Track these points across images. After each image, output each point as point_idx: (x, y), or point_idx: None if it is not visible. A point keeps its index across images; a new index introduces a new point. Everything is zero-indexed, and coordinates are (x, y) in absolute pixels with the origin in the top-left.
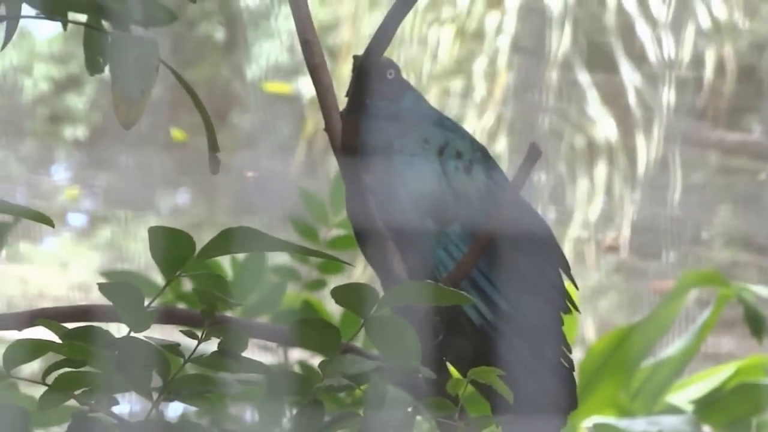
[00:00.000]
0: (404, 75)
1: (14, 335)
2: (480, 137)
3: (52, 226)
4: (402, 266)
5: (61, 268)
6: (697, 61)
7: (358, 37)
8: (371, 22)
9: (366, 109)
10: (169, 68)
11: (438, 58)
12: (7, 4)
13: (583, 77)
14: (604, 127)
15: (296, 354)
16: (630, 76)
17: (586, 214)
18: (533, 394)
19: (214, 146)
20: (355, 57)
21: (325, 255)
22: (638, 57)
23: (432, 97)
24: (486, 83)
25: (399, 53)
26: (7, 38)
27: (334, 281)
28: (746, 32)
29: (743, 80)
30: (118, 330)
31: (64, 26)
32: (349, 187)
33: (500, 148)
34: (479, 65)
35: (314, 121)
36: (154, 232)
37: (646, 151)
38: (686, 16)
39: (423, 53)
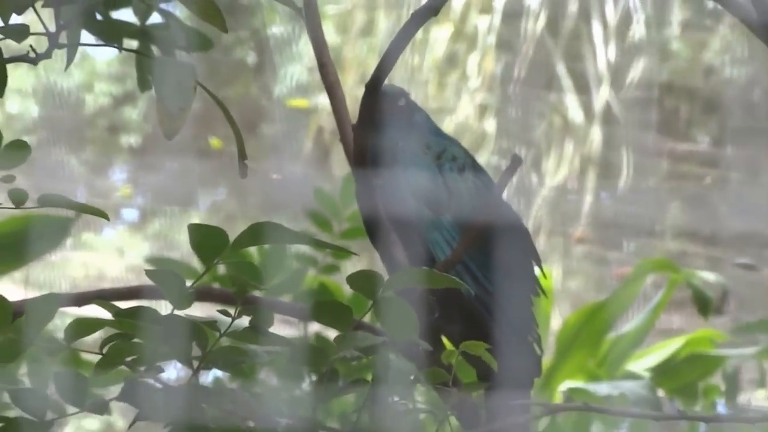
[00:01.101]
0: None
1: (77, 311)
2: (473, 120)
3: (108, 219)
4: (404, 254)
5: (117, 255)
6: (653, 83)
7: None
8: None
9: (375, 125)
10: (204, 89)
11: (435, 53)
12: (68, 33)
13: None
14: (576, 113)
15: (314, 327)
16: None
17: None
18: (510, 363)
19: (242, 155)
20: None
21: (335, 246)
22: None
23: (432, 87)
24: (477, 75)
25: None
26: (68, 62)
27: (346, 265)
28: (694, 60)
29: (692, 99)
30: (164, 307)
31: (120, 50)
32: (360, 187)
33: (489, 128)
34: (472, 60)
35: (329, 131)
36: (192, 228)
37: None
38: (644, 44)
39: (423, 49)
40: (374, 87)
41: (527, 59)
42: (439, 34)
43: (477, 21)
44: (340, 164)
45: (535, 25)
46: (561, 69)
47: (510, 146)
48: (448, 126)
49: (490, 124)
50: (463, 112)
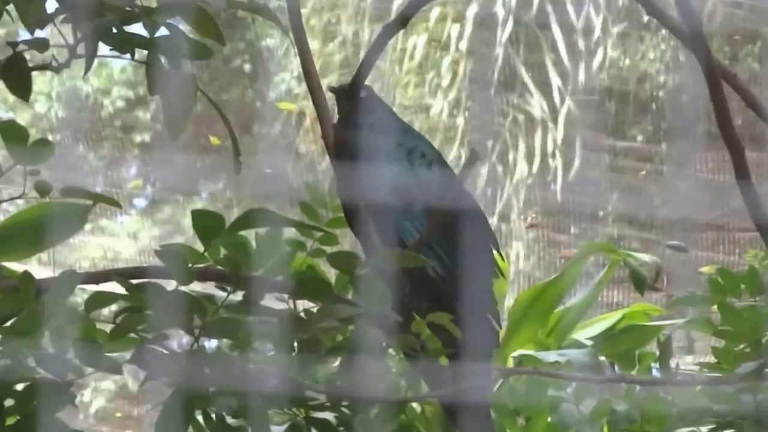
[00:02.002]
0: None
1: (94, 288)
2: (445, 115)
3: (120, 208)
4: (379, 239)
5: (131, 239)
6: (595, 88)
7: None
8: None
9: (352, 123)
10: (204, 94)
11: (414, 58)
12: (85, 44)
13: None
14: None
15: (302, 305)
16: (539, 102)
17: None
18: (472, 335)
19: (237, 152)
20: (331, 88)
21: (320, 229)
22: (545, 85)
23: (410, 87)
24: (450, 75)
25: (386, 55)
26: (86, 70)
27: (332, 250)
28: (632, 67)
29: (629, 102)
30: (169, 285)
31: (132, 57)
32: (339, 180)
33: (459, 121)
34: (445, 62)
35: (313, 130)
36: (195, 213)
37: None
38: (587, 52)
39: (403, 54)
40: (352, 92)
41: (495, 63)
42: (416, 41)
43: (450, 29)
44: (324, 160)
45: (502, 32)
46: (523, 73)
47: (477, 140)
48: (423, 122)
49: (460, 120)
50: (437, 109)
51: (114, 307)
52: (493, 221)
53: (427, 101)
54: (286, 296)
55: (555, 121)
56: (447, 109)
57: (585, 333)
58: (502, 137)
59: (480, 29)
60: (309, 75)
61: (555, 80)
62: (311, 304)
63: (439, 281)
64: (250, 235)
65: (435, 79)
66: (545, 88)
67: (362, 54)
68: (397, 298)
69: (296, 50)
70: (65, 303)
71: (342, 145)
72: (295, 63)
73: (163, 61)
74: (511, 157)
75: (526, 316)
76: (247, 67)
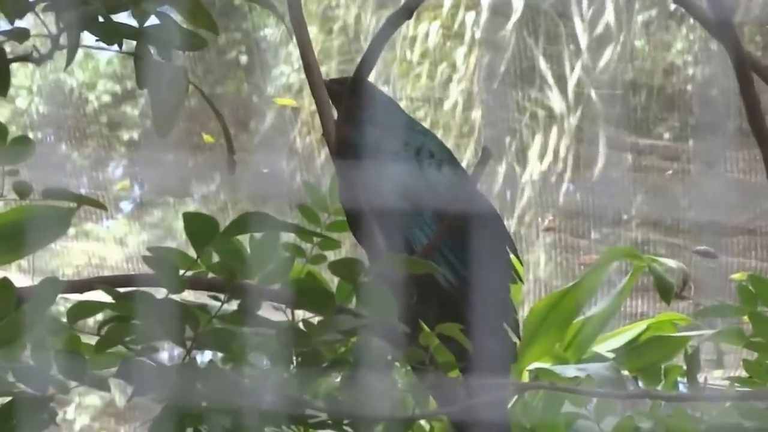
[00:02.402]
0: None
1: (78, 297)
2: (459, 109)
3: (106, 210)
4: (384, 243)
5: (118, 244)
6: (618, 81)
7: None
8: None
9: (355, 119)
10: (196, 87)
11: (425, 46)
12: (67, 34)
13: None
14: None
15: (301, 315)
16: (558, 96)
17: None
18: (485, 348)
19: (231, 150)
20: (327, 80)
21: (319, 235)
22: (565, 78)
23: (421, 78)
24: (464, 66)
25: (395, 43)
26: (68, 62)
27: (332, 256)
28: (658, 59)
29: (654, 97)
30: (159, 294)
31: (120, 48)
32: (342, 181)
33: (475, 116)
34: (459, 52)
35: (310, 125)
36: (187, 216)
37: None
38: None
39: (413, 43)
40: (355, 86)
41: (511, 54)
42: (427, 28)
43: (464, 16)
44: (325, 159)
45: (519, 22)
46: (542, 64)
47: (493, 136)
48: (435, 117)
49: (476, 115)
50: (450, 103)
51: (99, 318)
52: (509, 225)
53: (440, 94)
54: (284, 306)
55: (575, 116)
56: (461, 103)
57: (606, 345)
58: (520, 134)
59: (496, 17)
60: (309, 68)
61: (575, 73)
62: (311, 315)
63: (449, 288)
64: (245, 240)
65: (448, 70)
66: (565, 81)
67: (363, 41)
68: (404, 308)
69: (296, 41)
70: (47, 312)
71: (344, 144)
72: (296, 55)
73: (152, 52)
74: (528, 155)
75: (542, 327)
76: (243, 59)
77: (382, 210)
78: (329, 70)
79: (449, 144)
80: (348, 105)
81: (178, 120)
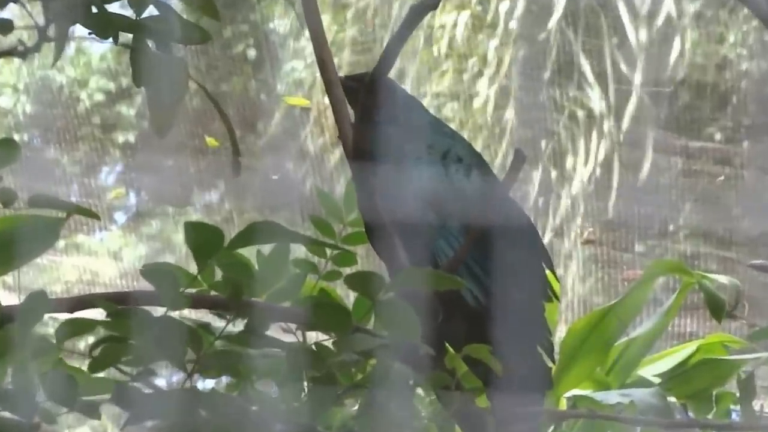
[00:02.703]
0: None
1: (68, 316)
2: (491, 108)
3: (99, 220)
4: (406, 256)
5: (112, 258)
6: (665, 79)
7: None
8: None
9: (374, 120)
10: (198, 83)
11: (456, 39)
12: (56, 26)
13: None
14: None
15: (313, 337)
16: (599, 94)
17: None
18: (517, 371)
19: (236, 150)
20: (343, 77)
21: (335, 247)
22: (607, 75)
23: (449, 74)
24: (496, 61)
25: (419, 34)
26: (56, 56)
27: (348, 272)
28: (710, 54)
29: (706, 95)
30: (157, 312)
31: (115, 42)
32: (360, 188)
33: (507, 116)
34: (491, 45)
35: (321, 124)
36: (188, 226)
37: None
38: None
39: (441, 34)
40: (374, 84)
41: (549, 48)
42: (456, 18)
43: (498, 5)
44: (338, 163)
45: (558, 12)
46: (582, 60)
47: (527, 139)
48: (463, 117)
49: (509, 114)
50: (480, 102)
51: (91, 339)
52: (544, 236)
53: (468, 91)
54: (294, 326)
55: (618, 117)
56: (492, 101)
57: (652, 369)
58: (557, 136)
59: (533, 7)
60: (323, 64)
61: (618, 69)
62: (324, 336)
63: (477, 306)
64: (251, 255)
65: (479, 65)
66: (606, 77)
67: (379, 30)
68: (428, 328)
69: (309, 35)
70: (33, 332)
71: (362, 147)
72: (308, 49)
73: (151, 46)
74: (566, 160)
75: (581, 349)
76: (251, 53)
77: (404, 220)
78: (341, 62)
79: (478, 146)
80: (366, 104)
81: (176, 117)
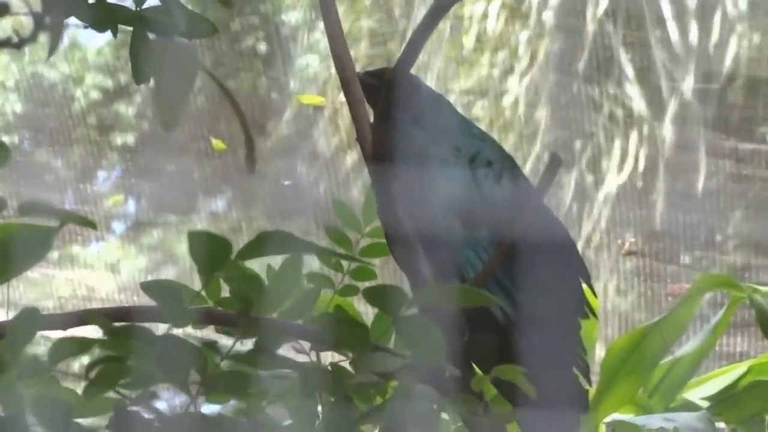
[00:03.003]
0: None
1: (61, 335)
2: (522, 106)
3: (95, 228)
4: (429, 268)
5: (109, 271)
6: (713, 74)
7: None
8: None
9: (395, 120)
10: (209, 73)
11: (485, 31)
12: (50, 18)
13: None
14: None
15: (329, 357)
16: (640, 92)
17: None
18: (550, 393)
19: (250, 146)
20: (362, 74)
21: (353, 258)
22: (650, 71)
23: (476, 68)
24: (529, 55)
25: (446, 27)
26: (52, 49)
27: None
28: (762, 47)
29: (758, 92)
30: (158, 330)
31: (114, 35)
32: (380, 194)
33: (539, 115)
34: (523, 37)
35: (347, 131)
36: (193, 235)
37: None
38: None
39: (469, 25)
40: (395, 80)
41: (586, 41)
42: (485, 8)
43: None
44: (357, 167)
45: (599, 4)
46: (622, 54)
47: (562, 140)
48: (493, 115)
49: (542, 114)
50: (511, 99)
51: (86, 360)
52: (580, 247)
53: (498, 87)
54: (308, 345)
55: (661, 117)
56: (524, 99)
57: (699, 391)
58: (595, 137)
59: None
60: (340, 61)
61: (662, 64)
62: (341, 356)
63: (507, 324)
64: (262, 266)
65: (510, 59)
66: (649, 74)
67: (399, 20)
68: (454, 347)
69: (324, 27)
70: (24, 352)
71: (382, 150)
72: (324, 43)
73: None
74: (604, 163)
75: (622, 370)
76: (261, 47)
77: (428, 229)
78: (357, 54)
79: (508, 147)
80: (386, 103)
81: (185, 107)
